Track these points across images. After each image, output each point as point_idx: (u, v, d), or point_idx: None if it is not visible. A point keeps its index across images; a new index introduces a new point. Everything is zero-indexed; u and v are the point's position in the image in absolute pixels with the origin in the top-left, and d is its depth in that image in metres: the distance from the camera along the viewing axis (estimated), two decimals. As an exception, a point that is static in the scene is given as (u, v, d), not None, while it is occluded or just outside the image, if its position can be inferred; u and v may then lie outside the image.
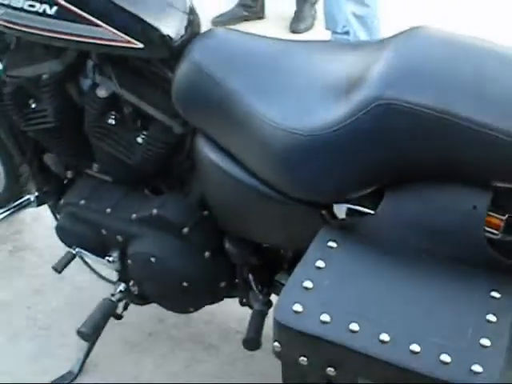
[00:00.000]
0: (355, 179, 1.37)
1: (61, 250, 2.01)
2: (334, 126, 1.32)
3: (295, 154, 1.38)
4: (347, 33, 3.46)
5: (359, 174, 1.36)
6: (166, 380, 2.08)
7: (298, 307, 1.23)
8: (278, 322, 1.23)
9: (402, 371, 1.14)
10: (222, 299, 1.91)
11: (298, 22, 4.17)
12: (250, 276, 1.77)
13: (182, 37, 1.65)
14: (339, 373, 1.22)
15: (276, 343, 1.25)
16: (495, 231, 1.31)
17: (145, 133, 1.75)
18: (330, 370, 1.23)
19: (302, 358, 1.24)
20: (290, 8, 4.27)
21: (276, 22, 4.33)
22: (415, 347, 1.16)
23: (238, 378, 2.06)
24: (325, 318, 1.21)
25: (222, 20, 4.19)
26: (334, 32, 3.65)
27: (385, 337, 1.18)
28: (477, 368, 1.12)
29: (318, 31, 4.02)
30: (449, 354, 1.14)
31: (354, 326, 1.19)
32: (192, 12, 1.70)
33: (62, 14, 1.61)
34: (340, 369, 1.22)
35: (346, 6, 3.34)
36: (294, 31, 4.12)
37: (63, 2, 1.60)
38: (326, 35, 3.72)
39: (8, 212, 2.35)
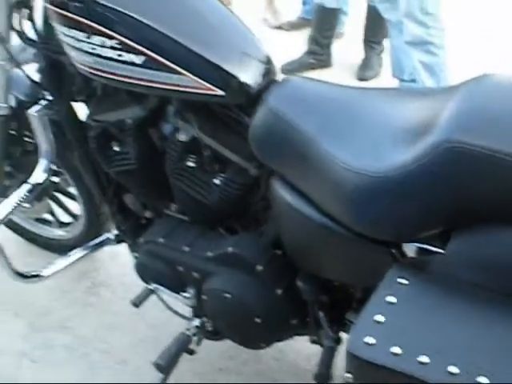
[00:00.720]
0: (423, 219, 1.43)
1: (135, 287, 2.11)
2: (402, 167, 1.39)
3: (365, 193, 1.46)
4: (414, 80, 3.54)
5: (427, 215, 1.42)
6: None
7: (369, 339, 1.29)
8: (351, 354, 1.29)
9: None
10: (292, 336, 1.98)
11: (365, 69, 4.26)
12: (321, 314, 1.83)
13: (259, 84, 1.74)
14: (409, 403, 1.27)
15: (348, 374, 1.31)
16: None
17: (222, 175, 1.85)
18: (401, 401, 1.28)
19: (373, 389, 1.30)
20: (356, 56, 4.36)
21: (342, 70, 4.43)
22: (483, 379, 1.20)
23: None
24: (395, 350, 1.26)
25: (291, 68, 4.31)
26: (401, 80, 3.75)
27: (453, 369, 1.22)
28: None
29: (385, 79, 4.09)
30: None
31: (424, 359, 1.25)
32: (268, 61, 1.80)
33: (149, 63, 1.72)
34: (410, 399, 1.27)
35: (414, 54, 3.42)
36: (361, 78, 4.21)
37: (150, 53, 1.71)
38: (393, 83, 3.81)
39: (87, 250, 2.46)
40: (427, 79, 3.38)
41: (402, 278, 1.41)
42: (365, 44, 4.25)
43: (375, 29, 4.14)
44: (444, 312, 1.34)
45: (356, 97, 1.67)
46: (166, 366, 1.90)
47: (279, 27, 5.01)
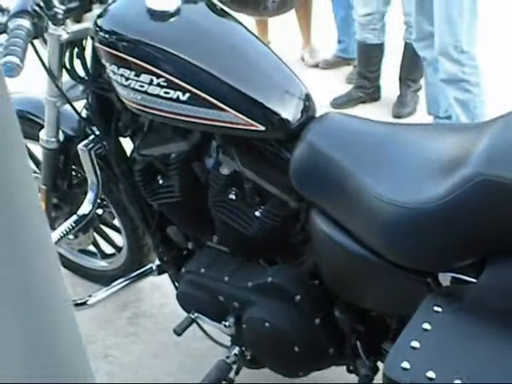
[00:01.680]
0: (457, 250, 1.49)
1: (176, 317, 2.18)
2: (437, 200, 1.45)
3: (401, 225, 1.52)
4: (449, 117, 3.60)
5: (461, 246, 1.47)
6: None
7: (405, 364, 1.34)
8: (388, 377, 1.34)
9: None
10: (330, 365, 2.03)
11: (400, 106, 4.32)
12: (358, 343, 1.88)
13: (298, 120, 1.82)
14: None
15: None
16: None
17: (262, 207, 1.92)
18: (436, 425, 1.33)
19: (409, 412, 1.34)
20: (392, 92, 4.42)
21: (379, 106, 4.49)
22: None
23: None
24: (430, 374, 1.32)
25: (340, 102, 4.40)
26: (437, 117, 3.80)
27: (487, 394, 1.28)
28: None
29: (421, 116, 4.15)
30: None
31: (457, 383, 1.30)
32: (308, 98, 1.87)
33: (193, 100, 1.81)
34: (445, 423, 1.32)
35: (449, 91, 3.49)
36: (396, 116, 4.26)
37: (195, 90, 1.80)
38: (428, 120, 3.86)
39: (131, 280, 2.54)
40: (462, 116, 3.44)
41: (437, 305, 1.47)
42: (401, 81, 4.32)
43: (411, 66, 4.20)
44: (476, 339, 1.39)
45: (391, 132, 1.74)
46: None
47: (316, 65, 5.10)
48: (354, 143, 1.72)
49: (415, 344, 1.38)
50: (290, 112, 1.82)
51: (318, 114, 1.88)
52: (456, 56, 3.39)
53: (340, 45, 5.01)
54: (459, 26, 3.36)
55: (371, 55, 4.41)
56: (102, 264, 2.86)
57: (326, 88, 4.56)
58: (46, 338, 0.78)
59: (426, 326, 1.42)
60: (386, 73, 4.51)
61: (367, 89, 4.51)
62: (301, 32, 5.23)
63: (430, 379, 1.32)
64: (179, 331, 2.12)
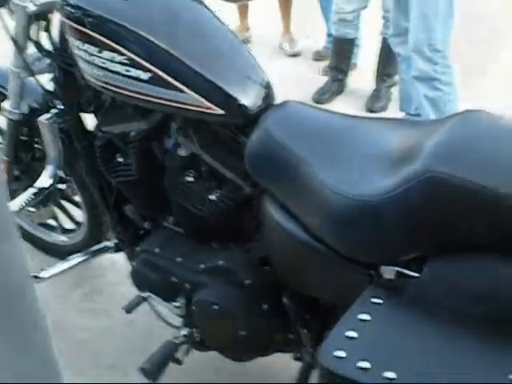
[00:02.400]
0: (401, 244, 1.50)
1: (131, 295, 2.18)
2: (384, 193, 1.47)
3: (347, 216, 1.54)
4: (419, 115, 3.62)
5: (405, 240, 1.49)
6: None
7: (340, 353, 1.36)
8: (322, 366, 1.36)
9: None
10: (275, 352, 2.04)
11: (374, 100, 4.34)
12: (304, 331, 1.90)
13: (257, 107, 1.83)
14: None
15: (318, 387, 1.39)
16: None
17: (218, 191, 1.93)
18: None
19: (341, 400, 1.36)
20: (368, 87, 4.44)
21: (353, 100, 4.51)
22: (444, 398, 1.27)
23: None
24: (364, 364, 1.33)
25: (320, 96, 4.43)
26: (407, 113, 3.83)
27: (417, 387, 1.30)
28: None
29: (393, 111, 4.17)
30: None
31: (390, 374, 1.32)
32: (268, 85, 1.88)
33: (154, 80, 1.81)
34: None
35: (420, 88, 3.51)
36: (369, 109, 4.28)
37: (156, 70, 1.80)
38: (400, 116, 3.88)
39: (87, 256, 2.54)
40: (431, 114, 3.46)
41: (377, 297, 1.49)
42: (376, 76, 4.33)
43: (387, 62, 4.22)
44: (413, 332, 1.41)
45: (347, 124, 1.76)
46: (151, 371, 1.97)
47: (294, 55, 5.11)
48: (309, 133, 1.73)
49: (351, 334, 1.39)
50: (249, 98, 1.83)
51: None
52: (429, 54, 3.41)
53: (330, 37, 5.01)
54: (434, 24, 3.38)
55: (349, 49, 4.44)
56: (61, 239, 2.86)
57: (300, 77, 4.58)
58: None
59: (364, 316, 1.43)
60: (363, 67, 4.53)
61: (342, 81, 4.54)
62: (281, 20, 5.23)
63: (363, 369, 1.33)
64: (129, 309, 2.13)
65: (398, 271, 1.55)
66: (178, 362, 2.08)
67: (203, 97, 1.79)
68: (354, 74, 4.69)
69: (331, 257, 1.63)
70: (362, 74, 4.59)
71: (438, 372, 1.33)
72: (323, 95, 4.47)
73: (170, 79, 1.80)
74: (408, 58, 3.58)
